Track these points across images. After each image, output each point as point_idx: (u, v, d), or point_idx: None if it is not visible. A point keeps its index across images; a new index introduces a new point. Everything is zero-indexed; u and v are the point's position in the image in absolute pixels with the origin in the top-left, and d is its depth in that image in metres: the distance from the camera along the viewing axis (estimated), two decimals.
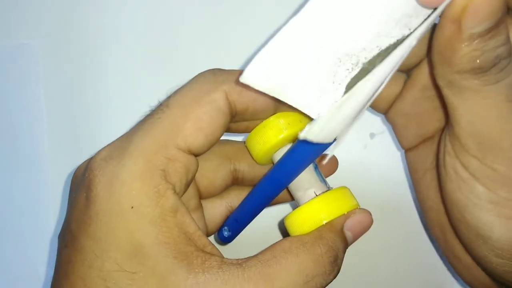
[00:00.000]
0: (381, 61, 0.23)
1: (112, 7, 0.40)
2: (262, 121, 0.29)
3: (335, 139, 0.25)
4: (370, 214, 0.28)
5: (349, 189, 0.29)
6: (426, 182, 0.32)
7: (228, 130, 0.29)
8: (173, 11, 0.40)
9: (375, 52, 0.24)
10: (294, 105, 0.25)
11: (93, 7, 0.40)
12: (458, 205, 0.26)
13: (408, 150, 0.33)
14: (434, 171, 0.31)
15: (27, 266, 0.40)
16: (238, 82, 0.24)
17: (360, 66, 0.24)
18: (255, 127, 0.29)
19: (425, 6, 0.22)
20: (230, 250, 0.28)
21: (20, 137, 0.40)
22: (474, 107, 0.24)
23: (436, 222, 0.31)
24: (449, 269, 0.38)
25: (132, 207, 0.24)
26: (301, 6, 0.22)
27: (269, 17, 0.39)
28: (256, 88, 0.23)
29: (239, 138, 0.34)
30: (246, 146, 0.30)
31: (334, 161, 0.34)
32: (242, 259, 0.25)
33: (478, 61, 0.22)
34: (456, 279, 0.38)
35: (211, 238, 0.34)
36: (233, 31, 0.40)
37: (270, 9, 0.39)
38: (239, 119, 0.28)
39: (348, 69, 0.24)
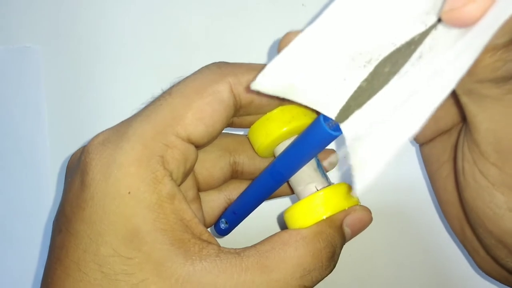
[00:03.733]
0: (395, 61, 0.23)
1: (114, 11, 0.40)
2: (266, 114, 0.29)
3: (341, 132, 0.24)
4: (370, 212, 0.28)
5: (350, 185, 0.28)
6: (443, 175, 0.31)
7: (232, 124, 0.29)
8: (175, 15, 0.40)
9: (390, 49, 0.23)
10: (305, 103, 0.25)
11: (95, 11, 0.40)
12: (478, 212, 0.26)
13: (423, 144, 0.33)
14: (450, 164, 0.31)
15: (20, 264, 0.40)
16: (248, 89, 0.25)
17: (373, 63, 0.24)
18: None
19: (454, 26, 0.22)
20: (228, 243, 0.27)
21: (21, 140, 0.40)
22: (494, 115, 0.24)
23: (454, 215, 0.31)
24: (451, 271, 0.38)
25: (129, 192, 0.24)
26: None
27: (270, 17, 0.39)
28: (267, 92, 0.23)
29: (240, 132, 0.34)
30: (248, 138, 0.30)
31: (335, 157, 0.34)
32: (240, 248, 0.25)
33: (500, 71, 0.22)
34: (460, 278, 0.38)
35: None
36: (234, 32, 0.40)
37: (270, 9, 0.39)
38: (243, 113, 0.28)
39: (360, 67, 0.24)
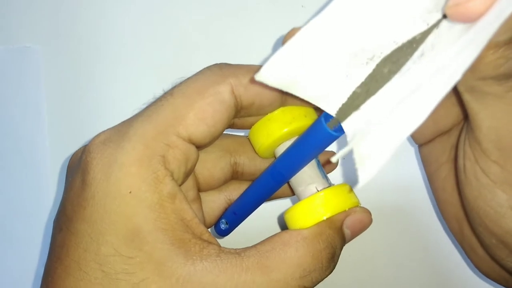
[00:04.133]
0: (396, 59, 0.23)
1: (114, 11, 0.40)
2: (267, 115, 0.29)
3: (342, 132, 0.24)
4: (370, 214, 0.28)
5: (350, 186, 0.29)
6: (442, 175, 0.31)
7: (233, 126, 0.29)
8: (175, 15, 0.40)
9: (392, 47, 0.23)
10: (306, 99, 0.25)
11: (95, 11, 0.40)
12: (479, 211, 0.26)
13: (422, 144, 0.33)
14: (450, 164, 0.31)
15: (20, 264, 0.40)
16: (253, 80, 0.24)
17: (376, 60, 0.24)
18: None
19: (458, 21, 0.22)
20: (228, 243, 0.27)
21: (21, 140, 0.40)
22: (496, 113, 0.24)
23: (453, 215, 0.31)
24: (450, 271, 0.38)
25: (130, 191, 0.24)
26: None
27: (270, 17, 0.39)
28: (270, 85, 0.23)
29: (241, 134, 0.34)
30: (248, 139, 0.30)
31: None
32: (240, 248, 0.25)
33: (502, 68, 0.22)
34: (459, 278, 0.38)
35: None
36: (234, 32, 0.40)
37: (270, 10, 0.40)
38: (244, 114, 0.28)
39: (362, 64, 0.24)
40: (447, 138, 0.31)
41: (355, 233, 0.28)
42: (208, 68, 0.27)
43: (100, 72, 0.40)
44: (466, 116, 0.26)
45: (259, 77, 0.23)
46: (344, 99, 0.24)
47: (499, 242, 0.26)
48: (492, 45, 0.21)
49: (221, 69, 0.27)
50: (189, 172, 0.27)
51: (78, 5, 0.40)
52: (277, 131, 0.28)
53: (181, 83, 0.27)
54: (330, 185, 0.29)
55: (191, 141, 0.26)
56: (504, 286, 0.31)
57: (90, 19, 0.40)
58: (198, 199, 0.31)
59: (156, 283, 0.23)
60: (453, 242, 0.37)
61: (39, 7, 0.40)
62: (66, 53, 0.40)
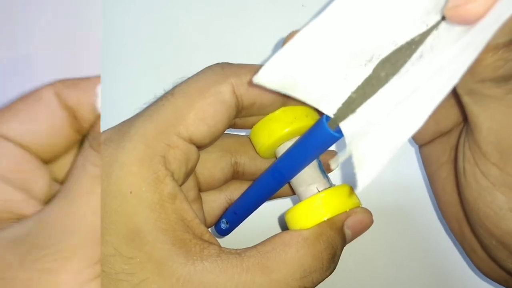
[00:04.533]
0: (395, 61, 0.23)
1: (114, 11, 0.40)
2: (268, 114, 0.29)
3: (342, 134, 0.24)
4: (371, 214, 0.28)
5: (351, 187, 0.28)
6: (442, 176, 0.31)
7: (234, 125, 0.29)
8: (175, 15, 0.40)
9: (391, 48, 0.23)
10: (305, 101, 0.25)
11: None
12: (479, 213, 0.26)
13: (422, 145, 0.33)
14: (450, 165, 0.31)
15: None
16: (251, 83, 0.24)
17: (374, 62, 0.24)
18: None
19: (457, 23, 0.22)
20: (229, 243, 0.27)
21: None
22: (495, 115, 0.24)
23: (453, 215, 0.31)
24: (450, 271, 0.38)
25: (131, 191, 0.24)
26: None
27: (270, 17, 0.39)
28: (268, 87, 0.23)
29: (242, 133, 0.34)
30: (250, 139, 0.30)
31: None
32: (241, 249, 0.25)
33: (501, 70, 0.22)
34: (459, 278, 0.38)
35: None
36: (234, 32, 0.40)
37: (270, 9, 0.40)
38: (245, 114, 0.28)
39: (361, 65, 0.24)
40: (448, 139, 0.31)
41: (356, 234, 0.28)
42: (210, 67, 0.27)
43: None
44: (465, 118, 0.26)
45: (257, 79, 0.23)
46: (342, 100, 0.25)
47: (499, 244, 0.26)
48: (491, 48, 0.21)
49: (223, 69, 0.27)
50: (190, 172, 0.27)
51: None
52: (278, 131, 0.28)
53: (182, 82, 0.27)
54: (331, 185, 0.29)
55: (191, 141, 0.26)
56: (505, 287, 0.31)
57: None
58: (199, 199, 0.31)
59: (156, 283, 0.23)
60: (453, 242, 0.37)
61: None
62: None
